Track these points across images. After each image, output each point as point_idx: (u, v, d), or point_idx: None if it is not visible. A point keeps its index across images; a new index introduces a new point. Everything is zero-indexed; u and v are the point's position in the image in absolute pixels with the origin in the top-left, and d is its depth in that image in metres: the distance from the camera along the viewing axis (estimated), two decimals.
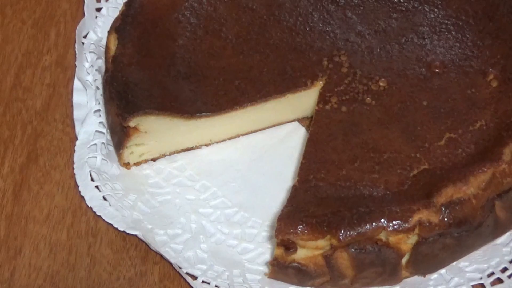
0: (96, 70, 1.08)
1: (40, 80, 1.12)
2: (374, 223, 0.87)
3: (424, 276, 0.93)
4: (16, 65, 1.14)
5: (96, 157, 1.02)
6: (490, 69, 1.01)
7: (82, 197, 0.99)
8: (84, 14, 1.12)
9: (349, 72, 1.03)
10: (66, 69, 1.13)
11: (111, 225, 0.97)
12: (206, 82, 1.03)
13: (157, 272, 0.96)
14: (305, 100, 1.04)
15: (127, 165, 1.03)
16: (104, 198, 0.99)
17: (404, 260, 0.91)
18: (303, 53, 1.05)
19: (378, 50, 1.05)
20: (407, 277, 0.93)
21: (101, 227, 0.99)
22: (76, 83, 1.08)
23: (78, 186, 1.00)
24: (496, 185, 0.90)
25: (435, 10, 1.07)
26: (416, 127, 0.98)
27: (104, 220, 0.97)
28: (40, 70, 1.13)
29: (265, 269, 0.95)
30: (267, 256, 0.96)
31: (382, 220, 0.87)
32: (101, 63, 1.08)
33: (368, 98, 1.01)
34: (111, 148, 1.03)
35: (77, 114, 1.06)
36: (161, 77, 1.02)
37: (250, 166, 1.04)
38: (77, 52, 1.09)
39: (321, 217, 0.89)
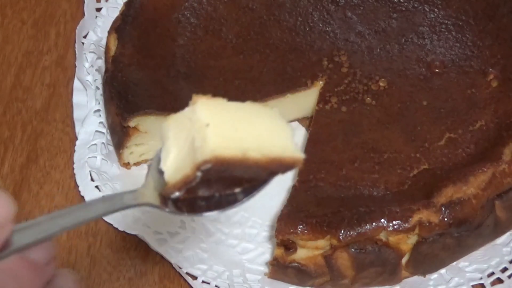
0: (96, 70, 1.07)
1: (40, 80, 1.12)
2: (374, 223, 0.87)
3: (424, 276, 0.93)
4: (16, 65, 1.14)
5: (96, 157, 1.02)
6: (490, 69, 1.01)
7: (82, 197, 0.99)
8: (84, 14, 1.12)
9: (349, 72, 1.03)
10: (66, 69, 1.13)
11: (111, 225, 0.97)
12: (206, 82, 1.03)
13: (157, 272, 0.96)
14: (305, 100, 1.04)
15: (127, 165, 1.03)
16: None
17: (404, 260, 0.90)
18: (303, 53, 1.05)
19: (378, 50, 1.05)
20: (407, 277, 0.93)
21: (101, 227, 0.99)
22: (76, 83, 1.08)
23: (78, 186, 1.00)
24: (496, 185, 0.90)
25: (435, 10, 1.06)
26: (416, 127, 0.98)
27: (104, 220, 0.97)
28: (40, 70, 1.13)
29: (265, 269, 0.95)
30: (267, 256, 0.96)
31: (382, 220, 0.87)
32: (101, 63, 1.08)
33: (368, 98, 1.01)
34: (111, 148, 1.03)
35: (77, 114, 1.06)
36: (161, 77, 1.02)
37: None
38: (77, 52, 1.09)
39: (321, 217, 0.89)
